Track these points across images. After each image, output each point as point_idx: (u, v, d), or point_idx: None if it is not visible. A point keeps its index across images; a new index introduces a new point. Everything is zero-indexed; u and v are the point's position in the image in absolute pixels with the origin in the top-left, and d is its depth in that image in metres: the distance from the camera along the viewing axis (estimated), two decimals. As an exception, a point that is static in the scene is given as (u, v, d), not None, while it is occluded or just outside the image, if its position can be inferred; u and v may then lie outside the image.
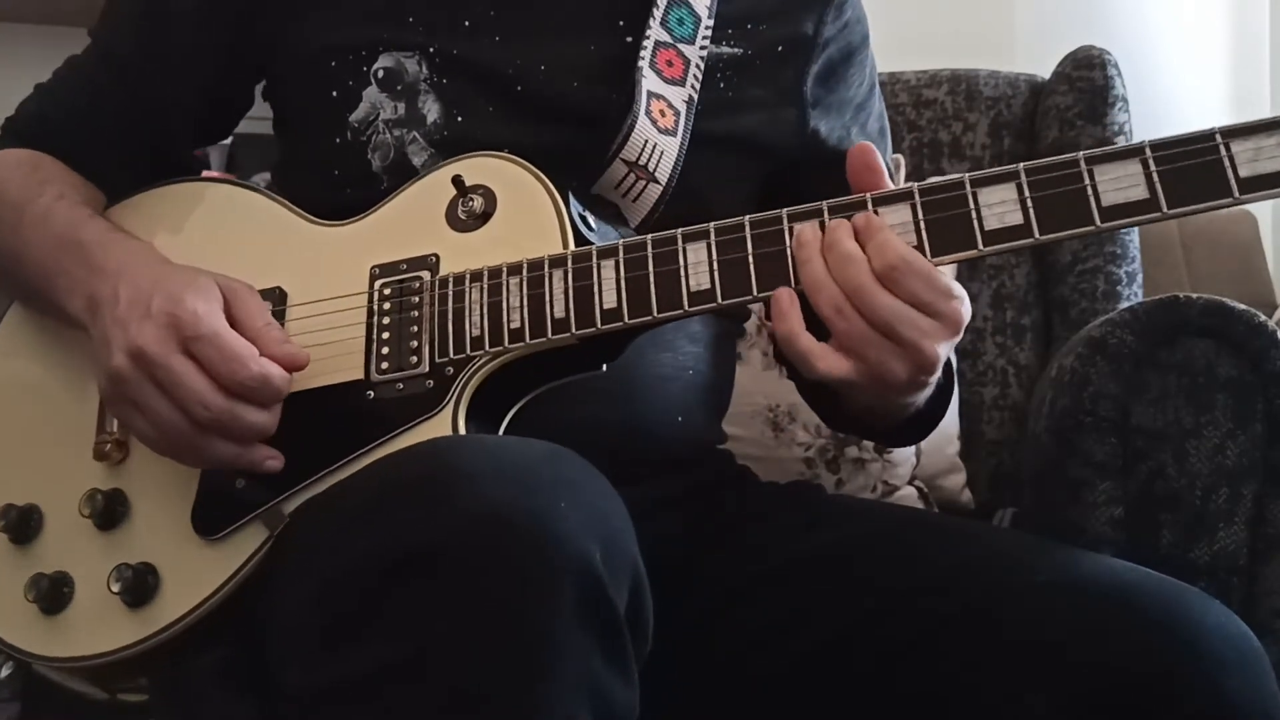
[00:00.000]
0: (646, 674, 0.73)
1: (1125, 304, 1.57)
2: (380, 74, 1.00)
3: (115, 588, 0.88)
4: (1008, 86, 1.80)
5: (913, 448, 1.63)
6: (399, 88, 1.00)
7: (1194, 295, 1.22)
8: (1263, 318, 1.21)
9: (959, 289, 0.82)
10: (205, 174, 1.14)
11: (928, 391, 0.91)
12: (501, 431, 0.89)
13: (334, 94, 1.01)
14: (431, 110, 1.00)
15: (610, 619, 0.69)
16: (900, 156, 1.74)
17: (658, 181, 0.98)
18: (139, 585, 0.88)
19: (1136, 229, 1.72)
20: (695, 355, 1.06)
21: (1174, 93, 2.53)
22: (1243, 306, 1.21)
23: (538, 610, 0.66)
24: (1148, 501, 1.22)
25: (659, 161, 0.98)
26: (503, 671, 0.66)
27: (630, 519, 0.75)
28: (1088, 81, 1.73)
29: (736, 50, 1.05)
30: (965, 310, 0.82)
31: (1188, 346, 1.21)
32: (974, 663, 0.86)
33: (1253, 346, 1.20)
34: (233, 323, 0.86)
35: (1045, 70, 1.81)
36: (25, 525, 0.94)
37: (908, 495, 1.64)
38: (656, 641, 0.77)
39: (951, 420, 1.70)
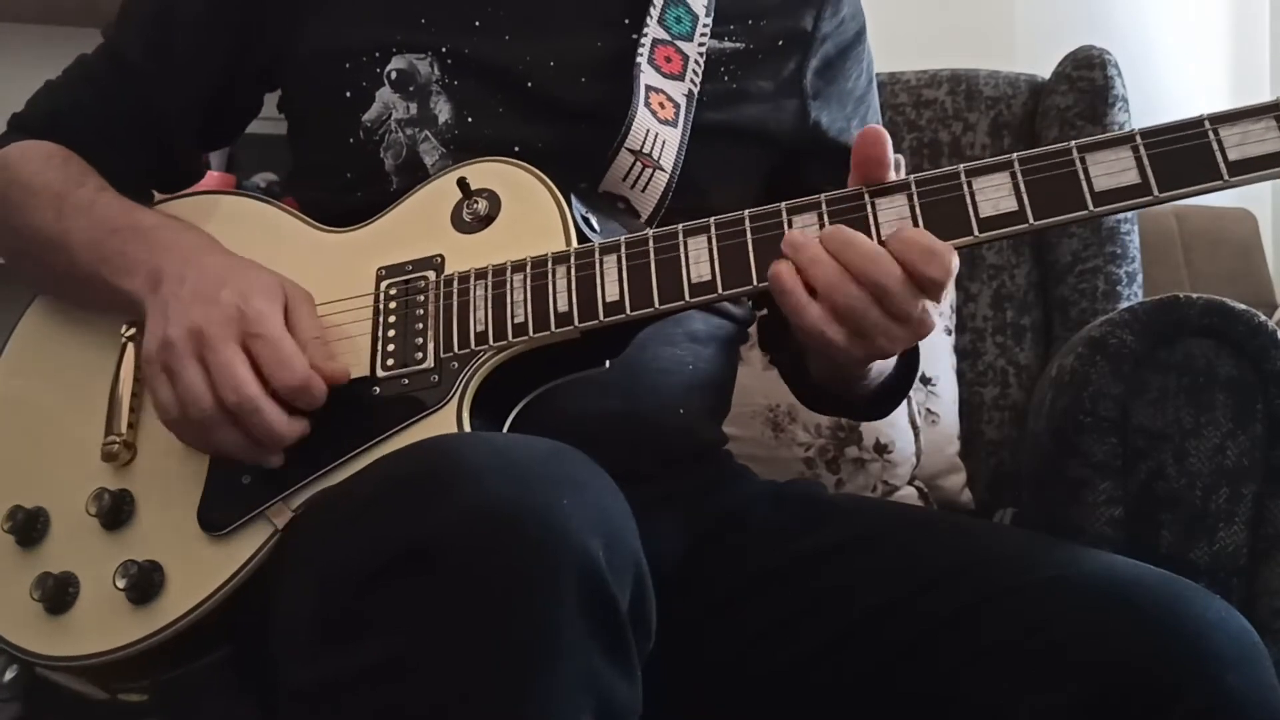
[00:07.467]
0: (646, 672, 0.73)
1: (1125, 304, 1.57)
2: (393, 75, 1.00)
3: (120, 584, 0.88)
4: (1008, 86, 1.81)
5: (913, 448, 1.64)
6: (411, 89, 1.00)
7: (1194, 295, 1.22)
8: (1263, 318, 1.21)
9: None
10: (211, 176, 1.14)
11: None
12: (505, 429, 0.89)
13: (347, 95, 1.01)
14: (443, 110, 1.00)
15: (613, 616, 0.69)
16: (900, 157, 1.74)
17: (663, 169, 0.99)
18: (144, 581, 0.88)
19: (1136, 229, 1.72)
20: (696, 352, 1.06)
21: (1174, 92, 2.53)
22: (1243, 306, 1.22)
23: (540, 607, 0.66)
24: (1148, 501, 1.22)
25: (662, 149, 0.99)
26: (504, 668, 0.66)
27: (633, 517, 0.75)
28: (1088, 81, 1.73)
29: (738, 45, 1.06)
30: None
31: (1188, 346, 1.21)
32: (975, 660, 0.86)
33: (1253, 346, 1.20)
34: (288, 328, 0.88)
35: (1045, 70, 1.81)
36: (31, 528, 0.94)
37: (908, 495, 1.64)
38: (656, 640, 0.76)
39: (951, 420, 1.70)
